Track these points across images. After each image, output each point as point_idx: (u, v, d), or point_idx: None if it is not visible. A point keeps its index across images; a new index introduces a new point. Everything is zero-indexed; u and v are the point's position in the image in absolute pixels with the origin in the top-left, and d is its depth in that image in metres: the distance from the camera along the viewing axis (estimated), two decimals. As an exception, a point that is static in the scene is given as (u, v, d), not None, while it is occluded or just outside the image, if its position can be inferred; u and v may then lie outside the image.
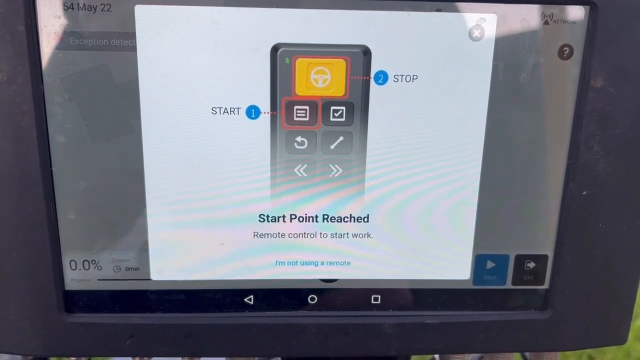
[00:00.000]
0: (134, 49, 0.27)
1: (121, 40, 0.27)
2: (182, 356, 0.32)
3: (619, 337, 0.33)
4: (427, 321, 0.31)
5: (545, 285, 0.32)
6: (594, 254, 0.31)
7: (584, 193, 0.30)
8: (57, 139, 0.28)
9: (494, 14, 0.27)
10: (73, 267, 0.30)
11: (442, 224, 0.31)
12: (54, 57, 0.27)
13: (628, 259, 0.31)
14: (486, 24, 0.27)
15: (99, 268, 0.30)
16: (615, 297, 0.32)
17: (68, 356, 0.32)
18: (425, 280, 0.32)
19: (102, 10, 0.27)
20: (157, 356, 0.32)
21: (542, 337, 0.32)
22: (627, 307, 0.32)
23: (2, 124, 0.27)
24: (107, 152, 0.28)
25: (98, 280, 0.30)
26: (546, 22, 0.28)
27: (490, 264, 0.31)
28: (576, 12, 0.28)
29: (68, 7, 0.26)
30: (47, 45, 0.27)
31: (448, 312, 0.32)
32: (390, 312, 0.32)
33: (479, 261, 0.31)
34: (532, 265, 0.31)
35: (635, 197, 0.30)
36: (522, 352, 0.36)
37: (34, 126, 0.27)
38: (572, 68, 0.28)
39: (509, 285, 0.32)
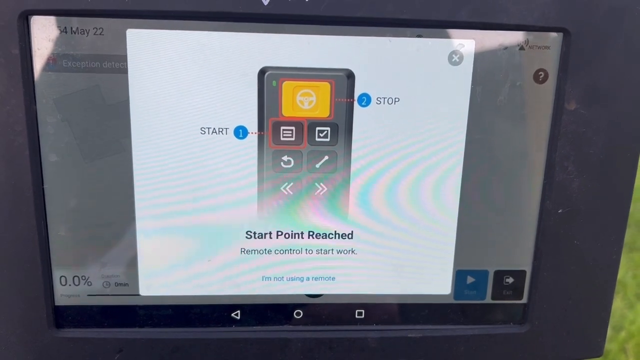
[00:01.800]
0: (125, 71, 0.28)
1: (113, 63, 0.28)
2: (170, 370, 0.32)
3: (595, 350, 0.34)
4: (409, 335, 0.32)
5: (524, 300, 0.33)
6: (571, 270, 0.32)
7: (559, 211, 0.31)
8: (49, 158, 0.29)
9: (472, 40, 0.29)
10: (63, 283, 0.31)
11: (423, 240, 0.32)
12: (47, 79, 0.28)
13: (603, 274, 0.32)
14: (465, 49, 0.29)
15: (89, 284, 0.31)
16: (592, 311, 0.33)
17: (58, 371, 0.32)
18: (408, 295, 0.32)
19: (94, 34, 0.27)
20: (145, 370, 0.32)
21: (521, 350, 0.33)
22: (602, 320, 0.33)
23: (-5, 144, 0.28)
24: (98, 171, 0.29)
25: (88, 295, 0.31)
26: (522, 48, 0.29)
27: (470, 279, 0.32)
28: (550, 39, 0.29)
29: (61, 31, 0.27)
30: (41, 67, 0.28)
31: (430, 327, 0.33)
32: (374, 327, 0.33)
33: (459, 276, 0.32)
34: (510, 280, 0.33)
35: (608, 215, 0.31)
36: None
37: (26, 145, 0.28)
38: (547, 91, 0.30)
39: (488, 300, 0.33)
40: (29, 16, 0.27)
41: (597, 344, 0.34)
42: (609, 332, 1.68)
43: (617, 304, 1.80)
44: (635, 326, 1.71)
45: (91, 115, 0.28)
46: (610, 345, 1.65)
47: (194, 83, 0.28)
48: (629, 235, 2.03)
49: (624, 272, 1.88)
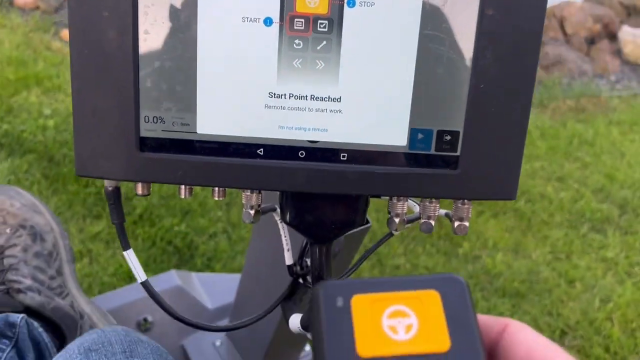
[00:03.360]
0: (196, -24, 0.43)
1: (188, -29, 0.43)
2: (214, 186, 0.48)
3: (510, 193, 0.48)
4: (376, 171, 0.47)
5: (458, 153, 0.47)
6: (492, 130, 0.46)
7: (482, 86, 0.45)
8: (144, 33, 0.44)
9: (423, -35, 0.43)
10: (146, 121, 0.46)
11: (389, 106, 0.46)
12: (146, -21, 0.43)
13: (514, 134, 0.47)
14: (418, -30, 0.43)
15: (163, 122, 0.46)
16: (507, 163, 0.47)
17: (139, 181, 0.48)
18: (378, 145, 0.47)
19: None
20: (196, 185, 0.48)
21: (455, 188, 0.48)
22: (515, 171, 0.48)
23: (110, 21, 0.43)
24: (175, 44, 0.45)
25: (162, 130, 0.47)
26: (456, -29, 0.43)
27: (420, 136, 0.47)
28: (476, -34, 0.43)
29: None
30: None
31: (391, 167, 0.47)
32: (353, 165, 0.47)
33: (413, 133, 0.47)
34: (448, 137, 0.47)
35: (516, 90, 0.46)
36: (441, 198, 0.51)
37: (130, 22, 0.44)
38: (474, 1, 0.44)
39: (432, 151, 0.47)
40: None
41: (511, 189, 0.48)
42: (598, 303, 1.80)
43: (609, 279, 1.92)
44: (623, 299, 1.83)
45: (173, 5, 0.44)
46: (598, 314, 1.78)
47: (239, -13, 0.44)
48: (625, 220, 2.15)
49: (617, 251, 2.00)
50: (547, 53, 3.07)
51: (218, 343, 1.02)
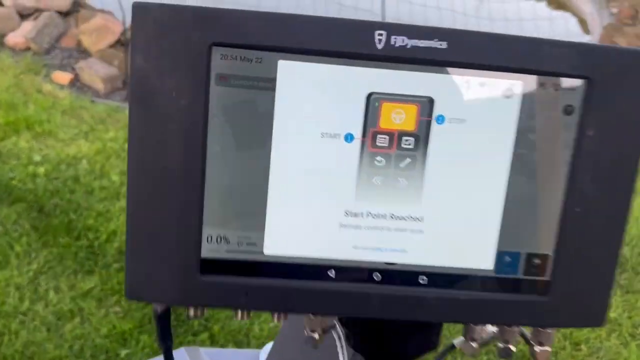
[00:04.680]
0: (273, 89, 0.39)
1: (265, 83, 0.39)
2: (280, 311, 0.43)
3: (598, 320, 0.44)
4: (460, 297, 0.43)
5: (547, 277, 0.44)
6: (584, 256, 0.43)
7: (576, 210, 0.42)
8: (212, 148, 0.40)
9: (520, 81, 0.40)
10: (209, 241, 0.42)
11: (476, 227, 0.43)
12: (218, 91, 0.39)
13: (606, 259, 0.43)
14: (514, 87, 0.40)
15: (227, 242, 0.42)
16: (597, 289, 0.44)
17: (201, 306, 0.43)
18: (461, 268, 0.43)
19: (254, 62, 0.39)
20: (262, 311, 0.43)
21: (542, 316, 0.44)
22: (604, 297, 0.44)
23: (177, 135, 0.39)
24: (246, 159, 0.40)
25: (225, 251, 0.42)
26: (555, 89, 0.40)
27: (507, 259, 0.43)
28: (576, 82, 0.40)
29: (233, 58, 0.39)
30: (215, 82, 0.39)
31: (475, 292, 0.43)
32: (433, 290, 0.43)
33: (499, 256, 0.43)
34: (537, 261, 0.43)
35: (612, 215, 0.42)
36: (527, 325, 0.47)
37: (199, 138, 0.39)
38: (573, 121, 0.41)
39: (520, 275, 0.44)
40: (212, 47, 0.39)
41: (600, 315, 0.44)
42: (605, 366, 1.76)
43: (613, 341, 1.88)
44: (630, 362, 1.79)
45: (246, 119, 0.40)
46: (605, 379, 1.74)
47: (320, 102, 0.40)
48: (625, 278, 2.13)
49: (620, 312, 1.98)
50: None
51: None
